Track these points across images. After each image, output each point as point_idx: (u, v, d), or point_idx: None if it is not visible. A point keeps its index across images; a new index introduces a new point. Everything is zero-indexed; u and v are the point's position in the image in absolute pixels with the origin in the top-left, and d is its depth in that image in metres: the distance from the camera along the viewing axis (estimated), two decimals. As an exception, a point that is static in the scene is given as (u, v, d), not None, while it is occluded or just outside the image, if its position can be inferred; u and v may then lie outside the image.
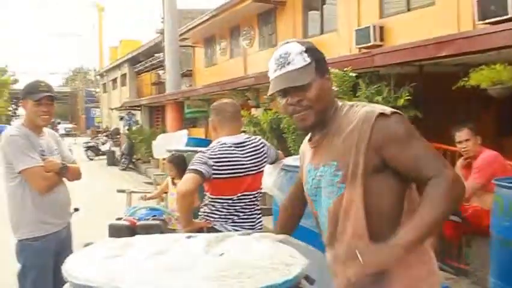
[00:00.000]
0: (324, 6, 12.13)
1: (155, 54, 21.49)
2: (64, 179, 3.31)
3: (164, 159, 5.64)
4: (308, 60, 1.71)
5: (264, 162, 3.17)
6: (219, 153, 2.94)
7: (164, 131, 16.36)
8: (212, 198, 3.04)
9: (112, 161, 20.54)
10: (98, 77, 45.56)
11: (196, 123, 16.30)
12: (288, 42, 1.78)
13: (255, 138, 3.19)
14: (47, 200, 3.14)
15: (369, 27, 9.82)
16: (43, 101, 3.13)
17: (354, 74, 6.12)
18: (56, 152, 3.30)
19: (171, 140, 7.94)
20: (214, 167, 2.89)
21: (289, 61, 1.70)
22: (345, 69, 6.12)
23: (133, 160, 19.49)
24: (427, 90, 5.94)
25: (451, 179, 1.55)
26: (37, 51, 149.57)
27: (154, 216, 4.83)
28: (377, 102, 6.00)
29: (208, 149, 2.98)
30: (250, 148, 3.09)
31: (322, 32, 12.07)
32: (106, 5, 75.74)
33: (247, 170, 3.02)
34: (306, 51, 1.72)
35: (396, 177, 1.66)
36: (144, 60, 26.34)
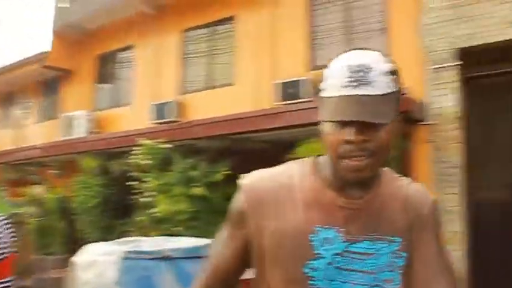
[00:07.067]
0: (118, 79, 11.43)
1: None
2: None
3: None
4: (393, 88, 1.14)
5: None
6: None
7: None
8: None
9: None
10: None
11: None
12: (367, 50, 1.16)
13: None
14: None
15: (167, 102, 9.49)
16: None
17: (168, 146, 5.52)
18: None
19: None
20: None
21: (371, 80, 1.11)
22: (158, 140, 5.49)
23: None
24: (245, 165, 5.66)
25: None
26: None
27: None
28: (194, 177, 5.49)
29: None
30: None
31: (114, 105, 11.28)
32: None
33: None
34: (392, 73, 1.14)
35: None
36: None
